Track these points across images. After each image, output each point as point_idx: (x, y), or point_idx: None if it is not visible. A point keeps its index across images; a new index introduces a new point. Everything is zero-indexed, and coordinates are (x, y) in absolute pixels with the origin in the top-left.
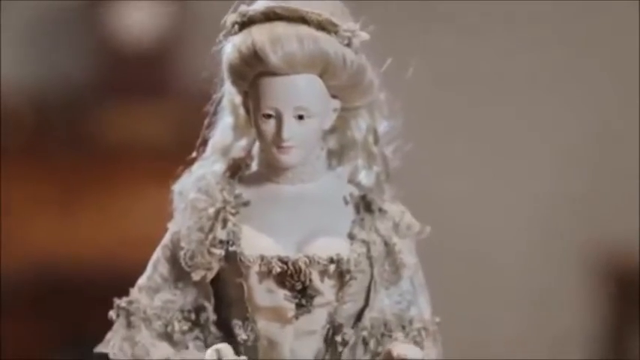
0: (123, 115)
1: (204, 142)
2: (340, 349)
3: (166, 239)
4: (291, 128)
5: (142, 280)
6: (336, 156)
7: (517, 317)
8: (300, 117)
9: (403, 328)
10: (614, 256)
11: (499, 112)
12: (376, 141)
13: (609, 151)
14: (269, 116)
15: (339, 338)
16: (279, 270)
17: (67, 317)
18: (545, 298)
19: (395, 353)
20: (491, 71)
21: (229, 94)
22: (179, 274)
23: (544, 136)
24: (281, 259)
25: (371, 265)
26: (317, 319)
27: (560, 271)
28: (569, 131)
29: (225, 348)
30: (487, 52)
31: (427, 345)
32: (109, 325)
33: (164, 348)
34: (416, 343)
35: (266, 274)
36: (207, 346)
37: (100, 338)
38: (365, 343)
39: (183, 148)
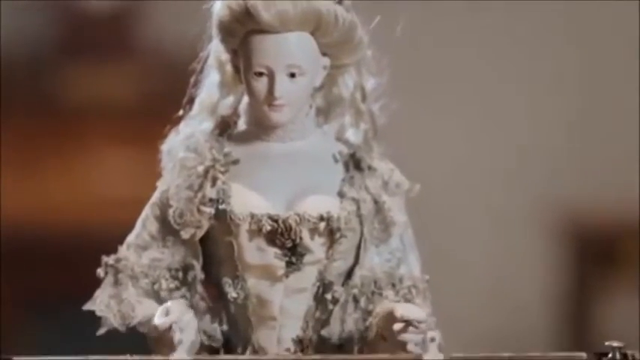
0: (87, 74)
1: (191, 101)
2: (330, 306)
3: (155, 197)
4: (282, 86)
5: (130, 238)
6: (323, 114)
7: (479, 277)
8: (292, 75)
9: (393, 286)
10: (577, 213)
11: (486, 71)
12: (364, 98)
13: (584, 109)
14: (260, 74)
15: (329, 296)
16: (269, 228)
17: (32, 281)
18: (508, 255)
19: (398, 314)
20: (475, 28)
21: (216, 52)
22: (168, 232)
23: (519, 91)
24: (271, 217)
25: (361, 223)
26: (307, 276)
27: (524, 227)
28: (546, 87)
29: (175, 304)
30: (469, 10)
31: (417, 302)
32: (73, 287)
33: (150, 305)
34: (406, 300)
35: (256, 232)
36: (192, 305)
37: (64, 301)
38: (355, 300)
39: (148, 107)
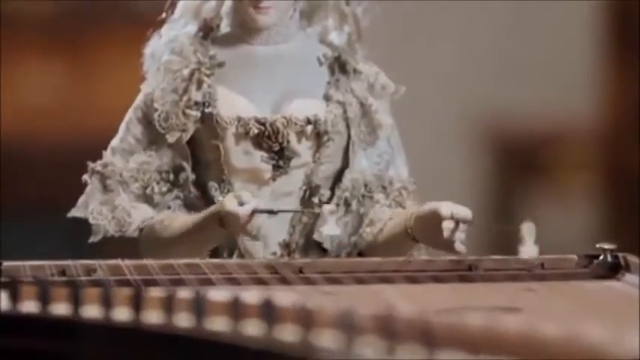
0: None
1: (173, 4)
2: (318, 210)
3: (139, 101)
4: None
5: (114, 142)
6: (306, 16)
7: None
8: None
9: (384, 188)
10: (502, 123)
11: None
12: (347, 0)
13: (515, 21)
14: None
15: (316, 200)
16: (256, 131)
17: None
18: (435, 165)
19: (448, 213)
20: None
21: None
22: (153, 135)
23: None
24: (258, 120)
25: (347, 127)
26: (294, 180)
27: (452, 135)
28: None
29: (244, 192)
30: None
31: (409, 204)
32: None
33: (145, 209)
34: (397, 203)
35: (243, 135)
36: (187, 206)
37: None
38: (347, 204)
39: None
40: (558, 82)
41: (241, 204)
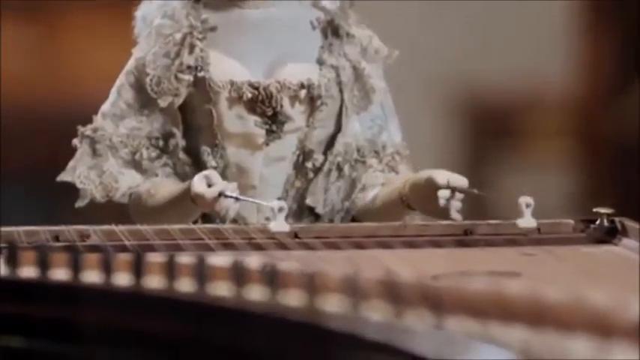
0: None
1: None
2: (311, 175)
3: (130, 65)
4: None
5: (105, 107)
6: None
7: None
8: None
9: (376, 153)
10: (474, 88)
11: None
12: None
13: None
14: None
15: (309, 164)
16: (249, 95)
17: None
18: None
19: (444, 181)
20: None
21: None
22: (144, 100)
23: None
24: (252, 85)
25: (341, 91)
26: (287, 145)
27: (423, 99)
28: None
29: (213, 173)
30: None
31: (402, 169)
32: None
33: (132, 175)
34: (390, 167)
35: (236, 99)
36: (176, 173)
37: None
38: (339, 169)
39: None
40: (532, 48)
41: (210, 185)
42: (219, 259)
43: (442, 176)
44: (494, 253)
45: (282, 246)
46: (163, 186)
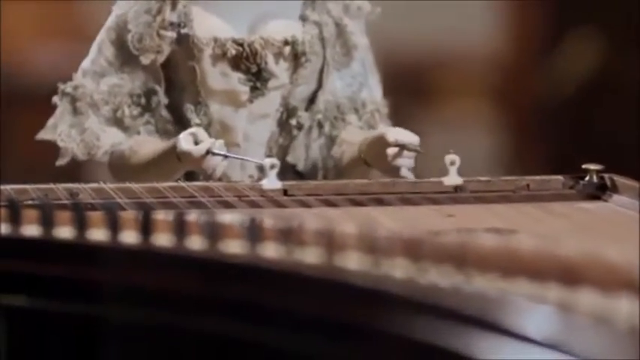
0: None
1: None
2: (294, 132)
3: (111, 21)
4: None
5: (86, 64)
6: None
7: None
8: None
9: (356, 110)
10: (388, 48)
11: None
12: None
13: None
14: None
15: (293, 121)
16: (234, 52)
17: None
18: None
19: (392, 139)
20: None
21: None
22: (126, 57)
23: None
24: (236, 41)
25: (323, 47)
26: (271, 102)
27: None
28: None
29: (200, 130)
30: None
31: (381, 127)
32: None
33: (114, 133)
34: (370, 125)
35: (220, 56)
36: (158, 131)
37: None
38: (320, 126)
39: None
40: (457, 5)
41: (197, 142)
42: (229, 217)
43: (392, 133)
44: (489, 210)
45: (278, 204)
46: (146, 144)
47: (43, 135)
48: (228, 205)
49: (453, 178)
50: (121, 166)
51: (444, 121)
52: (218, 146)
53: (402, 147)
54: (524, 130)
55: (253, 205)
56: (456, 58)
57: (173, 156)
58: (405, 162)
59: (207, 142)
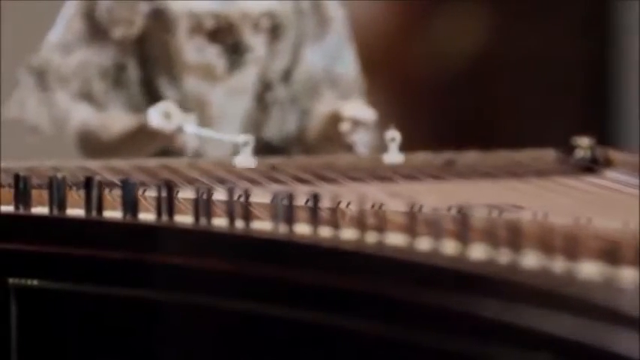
0: None
1: None
2: (270, 107)
3: None
4: None
5: (53, 37)
6: None
7: None
8: None
9: (331, 84)
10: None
11: None
12: None
13: None
14: None
15: (269, 96)
16: (210, 25)
17: None
18: None
19: (346, 114)
20: None
21: None
22: (96, 30)
23: None
24: (212, 14)
25: (299, 20)
26: (247, 76)
27: None
28: None
29: (171, 105)
30: None
31: (355, 99)
32: None
33: (84, 109)
34: (344, 98)
35: (196, 29)
36: (130, 105)
37: None
38: (295, 100)
39: None
40: None
41: (169, 117)
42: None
43: (346, 109)
44: (487, 186)
45: (277, 181)
46: (118, 119)
47: (10, 113)
48: (224, 181)
49: (393, 156)
50: (91, 143)
51: None
52: (190, 121)
53: (356, 123)
54: (408, 104)
55: (252, 181)
56: None
57: (145, 132)
58: (360, 138)
59: (177, 117)
